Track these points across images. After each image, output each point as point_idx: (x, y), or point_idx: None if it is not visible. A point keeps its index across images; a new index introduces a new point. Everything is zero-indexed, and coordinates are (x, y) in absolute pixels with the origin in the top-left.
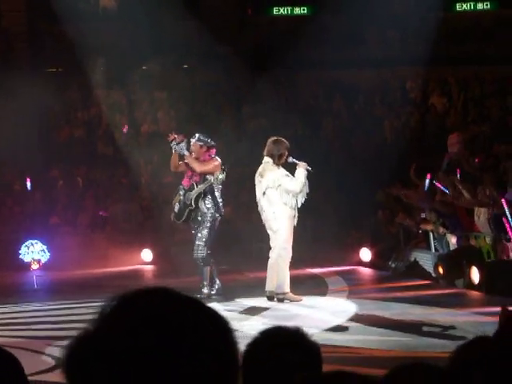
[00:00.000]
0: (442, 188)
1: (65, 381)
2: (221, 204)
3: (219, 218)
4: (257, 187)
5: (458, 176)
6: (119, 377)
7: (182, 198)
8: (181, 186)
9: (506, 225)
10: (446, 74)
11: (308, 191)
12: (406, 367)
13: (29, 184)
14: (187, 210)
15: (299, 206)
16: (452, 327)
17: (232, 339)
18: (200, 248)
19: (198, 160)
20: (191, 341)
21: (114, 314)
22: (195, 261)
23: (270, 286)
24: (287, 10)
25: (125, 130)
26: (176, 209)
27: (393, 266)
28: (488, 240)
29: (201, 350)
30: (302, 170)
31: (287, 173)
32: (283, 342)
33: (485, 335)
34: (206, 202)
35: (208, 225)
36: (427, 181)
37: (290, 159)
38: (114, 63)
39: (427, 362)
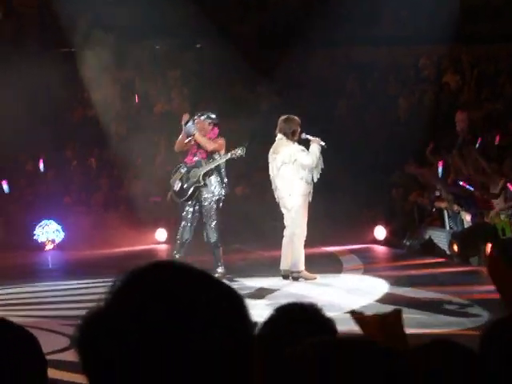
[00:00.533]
0: (468, 186)
1: (78, 358)
2: (226, 182)
3: (223, 197)
4: (270, 165)
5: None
6: (130, 353)
7: (185, 175)
8: (182, 164)
9: None
10: (459, 52)
11: (323, 166)
12: (438, 343)
13: (42, 165)
14: (193, 187)
15: (315, 180)
16: (467, 305)
17: (246, 315)
18: (211, 233)
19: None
20: (203, 316)
21: (123, 290)
22: (207, 244)
23: (284, 265)
24: None
25: (137, 100)
26: (177, 186)
27: (407, 244)
28: (503, 217)
29: (213, 325)
30: (315, 145)
31: (303, 147)
32: (298, 317)
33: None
34: (213, 179)
35: (215, 207)
36: (440, 168)
37: (304, 135)
38: (127, 43)
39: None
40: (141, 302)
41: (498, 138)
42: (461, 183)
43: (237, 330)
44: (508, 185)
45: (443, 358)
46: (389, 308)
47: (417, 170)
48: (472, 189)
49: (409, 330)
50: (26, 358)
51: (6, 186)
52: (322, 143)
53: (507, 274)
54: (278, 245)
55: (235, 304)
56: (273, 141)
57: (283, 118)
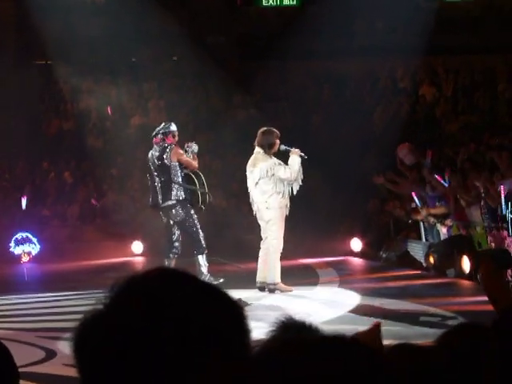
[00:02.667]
0: (442, 181)
1: (74, 362)
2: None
3: None
4: (248, 178)
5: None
6: (127, 357)
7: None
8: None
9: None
10: (436, 64)
11: (303, 177)
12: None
13: (24, 202)
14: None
15: (295, 193)
16: (444, 316)
17: (244, 324)
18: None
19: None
20: (202, 324)
21: (123, 294)
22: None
23: (260, 277)
24: (276, 0)
25: (110, 112)
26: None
27: (384, 256)
28: (479, 229)
29: (211, 332)
30: (295, 156)
31: (280, 161)
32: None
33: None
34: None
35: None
36: (428, 159)
37: (282, 147)
38: (103, 55)
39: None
40: (141, 308)
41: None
42: (436, 176)
43: (234, 340)
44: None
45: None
46: (364, 320)
47: (385, 181)
48: (446, 185)
49: (385, 342)
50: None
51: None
52: (302, 154)
53: (498, 282)
54: (254, 257)
55: (235, 314)
56: (250, 153)
57: (262, 130)
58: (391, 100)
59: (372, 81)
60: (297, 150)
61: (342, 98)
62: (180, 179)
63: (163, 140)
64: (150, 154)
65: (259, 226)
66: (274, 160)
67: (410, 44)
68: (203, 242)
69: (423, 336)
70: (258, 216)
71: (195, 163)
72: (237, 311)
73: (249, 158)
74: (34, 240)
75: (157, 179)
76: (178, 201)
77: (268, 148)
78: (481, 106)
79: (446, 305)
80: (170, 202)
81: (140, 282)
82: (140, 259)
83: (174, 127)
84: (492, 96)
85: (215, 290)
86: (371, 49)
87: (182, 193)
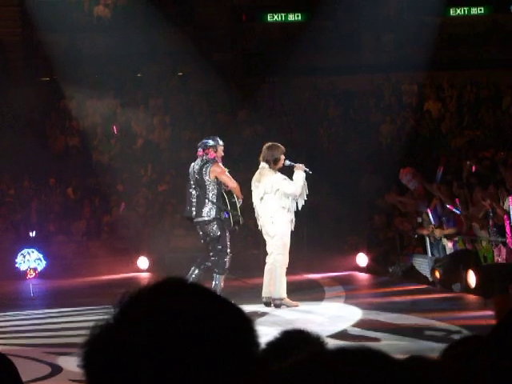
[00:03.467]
0: (454, 209)
1: (83, 377)
2: None
3: None
4: (253, 193)
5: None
6: (139, 367)
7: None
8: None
9: (507, 228)
10: (441, 79)
11: (307, 193)
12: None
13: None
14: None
15: (300, 208)
16: (450, 331)
17: (254, 337)
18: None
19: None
20: (213, 335)
21: (131, 307)
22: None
23: (266, 292)
24: (281, 16)
25: (115, 131)
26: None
27: (389, 270)
28: (484, 244)
29: (222, 345)
30: (299, 171)
31: (285, 177)
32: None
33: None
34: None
35: None
36: (440, 173)
37: (287, 162)
38: (109, 71)
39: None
40: (150, 320)
41: (473, 168)
42: (448, 206)
43: (242, 351)
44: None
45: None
46: (370, 334)
47: (397, 198)
48: (459, 212)
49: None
50: (1, 381)
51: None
52: (306, 169)
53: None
54: (260, 272)
55: (244, 326)
56: (255, 168)
57: (267, 145)
58: (397, 115)
59: (377, 96)
60: (301, 165)
61: (347, 113)
62: (215, 197)
63: (206, 154)
64: (191, 166)
65: (265, 240)
66: (279, 175)
67: (415, 59)
68: (228, 264)
69: (429, 350)
70: (263, 231)
71: (234, 182)
72: (246, 323)
73: (254, 174)
74: (40, 256)
75: (193, 192)
76: (213, 218)
77: (273, 163)
78: (486, 121)
79: (452, 319)
80: (204, 218)
81: (149, 294)
82: (146, 275)
83: (212, 142)
84: (497, 111)
85: (225, 302)
86: (376, 64)
87: (214, 212)
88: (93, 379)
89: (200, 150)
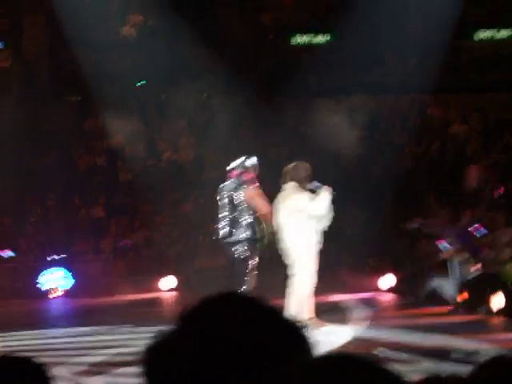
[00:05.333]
0: (482, 229)
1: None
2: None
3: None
4: (277, 213)
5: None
6: (198, 379)
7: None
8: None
9: None
10: (467, 102)
11: (333, 215)
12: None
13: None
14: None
15: (325, 228)
16: (475, 353)
17: (307, 347)
18: None
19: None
20: (270, 350)
21: (193, 317)
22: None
23: (291, 313)
24: (308, 37)
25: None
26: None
27: (415, 292)
28: (509, 267)
29: (281, 359)
30: (325, 193)
31: (312, 196)
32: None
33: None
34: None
35: None
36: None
37: (314, 184)
38: (134, 92)
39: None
40: (210, 331)
41: (502, 189)
42: (476, 225)
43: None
44: None
45: None
46: (395, 355)
47: (420, 222)
48: (486, 232)
49: (416, 378)
50: None
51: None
52: (333, 192)
53: None
54: (282, 293)
55: (301, 342)
56: (279, 188)
57: (293, 164)
58: (422, 137)
59: (402, 118)
60: (328, 187)
61: (372, 134)
62: (246, 221)
63: (240, 175)
64: (223, 186)
65: (288, 262)
66: (305, 195)
67: (440, 81)
68: (247, 283)
69: (455, 372)
70: (287, 253)
71: (267, 208)
72: (301, 335)
73: (277, 194)
74: (67, 274)
75: (226, 213)
76: (243, 239)
77: (300, 182)
78: (511, 145)
79: (478, 341)
80: (235, 238)
81: (210, 306)
82: (171, 294)
83: (250, 162)
84: None
85: (287, 319)
86: (401, 85)
87: (248, 233)
88: None
89: (238, 170)
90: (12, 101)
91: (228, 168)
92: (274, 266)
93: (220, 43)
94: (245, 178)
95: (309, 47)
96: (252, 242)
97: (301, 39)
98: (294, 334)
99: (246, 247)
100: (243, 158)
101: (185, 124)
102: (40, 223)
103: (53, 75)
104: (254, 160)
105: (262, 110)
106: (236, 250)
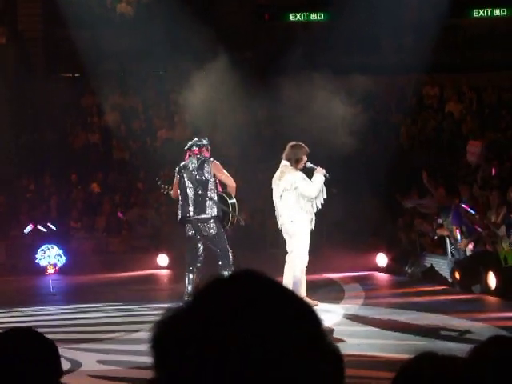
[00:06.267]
0: (469, 209)
1: (151, 359)
2: None
3: None
4: (274, 191)
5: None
6: (206, 355)
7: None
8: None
9: None
10: (462, 81)
11: (325, 197)
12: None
13: (28, 228)
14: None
15: (315, 210)
16: (469, 332)
17: (320, 329)
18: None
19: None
20: (281, 326)
21: (206, 294)
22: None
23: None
24: (304, 16)
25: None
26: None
27: (409, 271)
28: (505, 245)
29: (290, 336)
30: (319, 175)
31: (305, 176)
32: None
33: (500, 335)
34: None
35: None
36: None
37: (308, 164)
38: (130, 68)
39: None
40: (224, 308)
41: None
42: (463, 205)
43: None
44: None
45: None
46: (389, 334)
47: (414, 202)
48: (473, 212)
49: (410, 357)
50: (46, 365)
51: (29, 228)
52: (326, 174)
53: None
54: (279, 271)
55: (314, 323)
56: (276, 168)
57: (291, 144)
58: (417, 117)
59: (398, 97)
60: (322, 169)
61: (367, 113)
62: (215, 196)
63: (200, 153)
64: (183, 165)
65: (284, 239)
66: (300, 174)
67: (436, 61)
68: (231, 258)
69: (448, 351)
70: (282, 230)
71: (233, 181)
72: (313, 315)
73: (274, 173)
74: (60, 252)
75: (191, 191)
76: (212, 216)
77: (295, 162)
78: (507, 123)
79: (472, 320)
80: (203, 216)
81: (225, 282)
82: (165, 272)
83: (205, 141)
84: None
85: (296, 296)
86: (397, 65)
87: (215, 209)
88: (160, 361)
89: (195, 148)
90: (8, 78)
91: (185, 148)
92: (268, 243)
93: (216, 22)
94: (205, 154)
95: (305, 25)
96: (217, 218)
97: (296, 18)
98: (307, 318)
99: (214, 225)
100: (195, 138)
101: (181, 101)
102: (35, 200)
103: (49, 52)
104: (206, 140)
105: (258, 88)
106: (206, 227)
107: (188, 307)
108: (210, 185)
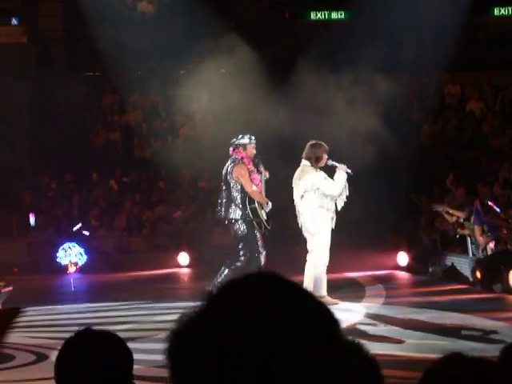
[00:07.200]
0: (495, 207)
1: (167, 366)
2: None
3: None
4: (294, 190)
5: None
6: (227, 364)
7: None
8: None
9: None
10: (482, 79)
11: (348, 194)
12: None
13: (32, 219)
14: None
15: (339, 208)
16: (490, 331)
17: (339, 336)
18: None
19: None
20: (297, 329)
21: (221, 298)
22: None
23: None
24: (325, 14)
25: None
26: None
27: (430, 270)
28: None
29: (307, 340)
30: (341, 172)
31: (325, 176)
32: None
33: None
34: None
35: None
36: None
37: (330, 162)
38: (152, 67)
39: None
40: (238, 313)
41: None
42: (490, 203)
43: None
44: None
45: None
46: (411, 333)
47: (443, 208)
48: (499, 210)
49: (431, 356)
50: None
51: (32, 219)
52: (348, 170)
53: None
54: (300, 270)
55: (332, 324)
56: (297, 166)
57: (311, 143)
58: (439, 115)
59: (420, 95)
60: (344, 166)
61: (389, 111)
62: (239, 199)
63: (235, 153)
64: (224, 166)
65: (305, 238)
66: (321, 174)
67: (456, 59)
68: (262, 260)
69: (470, 350)
70: (303, 229)
71: (251, 187)
72: (330, 315)
73: (295, 171)
74: (81, 250)
75: (223, 193)
76: (236, 219)
77: (315, 161)
78: None
79: (493, 319)
80: (228, 217)
81: (237, 286)
82: (186, 270)
83: (245, 140)
84: None
85: (311, 296)
86: (418, 63)
87: (238, 212)
88: (176, 369)
89: (231, 149)
90: (29, 77)
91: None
92: (290, 241)
93: (237, 20)
94: (237, 156)
95: (325, 24)
96: (246, 221)
97: (317, 16)
98: (326, 319)
99: (241, 227)
100: (239, 135)
101: (202, 100)
102: (57, 198)
103: (70, 51)
104: (245, 139)
105: (278, 87)
106: (234, 229)
107: (203, 312)
108: (234, 188)
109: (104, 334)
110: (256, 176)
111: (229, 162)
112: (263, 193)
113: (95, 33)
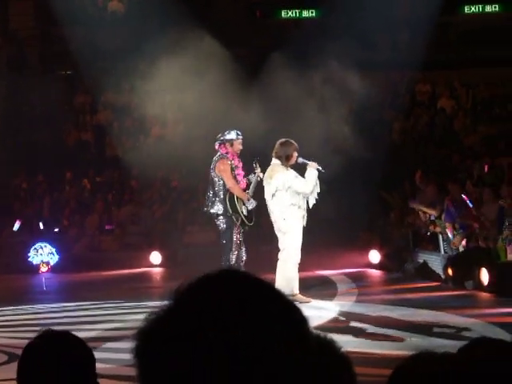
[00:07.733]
0: (468, 201)
1: (135, 367)
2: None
3: None
4: (265, 189)
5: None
6: (196, 361)
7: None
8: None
9: None
10: (454, 77)
11: (319, 191)
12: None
13: (17, 225)
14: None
15: (310, 206)
16: (462, 328)
17: (305, 328)
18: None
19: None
20: (269, 327)
21: (186, 296)
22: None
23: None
24: (295, 12)
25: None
26: (245, 211)
27: (402, 267)
28: (498, 241)
29: (279, 338)
30: (312, 169)
31: (296, 174)
32: None
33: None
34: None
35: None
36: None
37: (300, 159)
38: (123, 66)
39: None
40: (210, 309)
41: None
42: (463, 196)
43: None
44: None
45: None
46: (383, 331)
47: (421, 208)
48: (471, 205)
49: (403, 353)
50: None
51: (17, 225)
52: (319, 167)
53: None
54: (272, 268)
55: (299, 321)
56: (268, 165)
57: (280, 141)
58: (410, 113)
59: (391, 94)
60: (314, 163)
61: (361, 110)
62: (221, 193)
63: (219, 148)
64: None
65: (277, 237)
66: (291, 172)
67: (427, 57)
68: (233, 258)
69: (442, 347)
70: (275, 227)
71: (232, 182)
72: (299, 316)
73: (266, 170)
74: (53, 250)
75: (209, 187)
76: (219, 214)
77: (285, 159)
78: (500, 119)
79: (465, 316)
80: (211, 211)
81: (203, 284)
82: (158, 270)
83: (232, 135)
84: (508, 107)
85: (278, 293)
86: (390, 62)
87: (220, 207)
88: (144, 370)
89: (216, 144)
90: (1, 76)
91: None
92: (261, 240)
93: (210, 19)
94: (222, 151)
95: (296, 22)
96: (227, 216)
97: (288, 14)
98: (292, 316)
99: (222, 222)
100: (225, 131)
101: (174, 99)
102: (28, 198)
103: (42, 50)
104: (232, 134)
105: (250, 85)
106: (217, 224)
107: (170, 310)
108: (217, 183)
109: (66, 335)
110: (240, 172)
111: (215, 158)
112: (251, 191)
113: (68, 32)
